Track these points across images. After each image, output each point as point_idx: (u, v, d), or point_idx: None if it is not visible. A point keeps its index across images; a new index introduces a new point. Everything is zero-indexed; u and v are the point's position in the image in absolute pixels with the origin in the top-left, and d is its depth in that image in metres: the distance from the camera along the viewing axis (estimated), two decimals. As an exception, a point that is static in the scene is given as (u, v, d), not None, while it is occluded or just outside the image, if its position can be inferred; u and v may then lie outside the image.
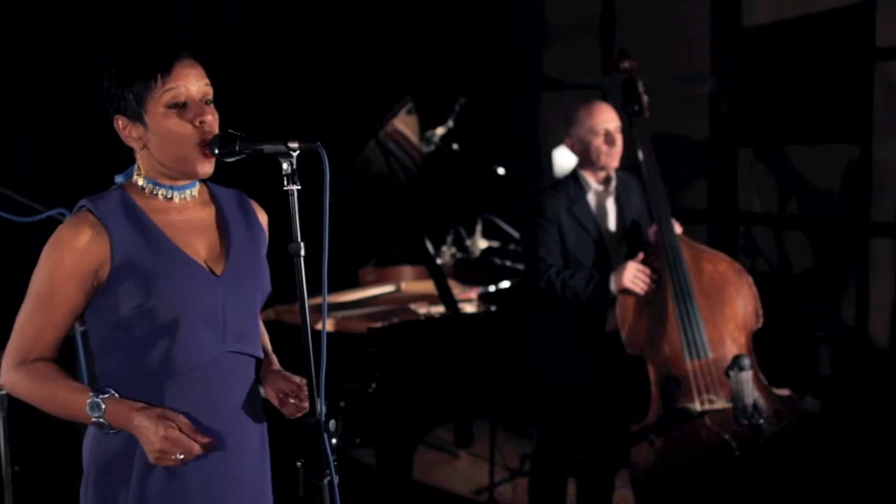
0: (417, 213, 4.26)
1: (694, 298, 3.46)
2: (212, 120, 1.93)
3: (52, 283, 1.91)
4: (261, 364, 2.11)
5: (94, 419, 1.90)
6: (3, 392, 2.94)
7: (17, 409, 2.43)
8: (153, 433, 1.85)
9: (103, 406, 1.89)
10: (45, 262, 1.93)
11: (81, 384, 1.97)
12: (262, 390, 2.10)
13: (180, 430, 1.87)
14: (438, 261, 4.21)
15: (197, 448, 1.88)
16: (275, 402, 2.05)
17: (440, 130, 4.59)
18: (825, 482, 3.59)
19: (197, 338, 1.93)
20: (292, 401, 2.01)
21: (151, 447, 1.86)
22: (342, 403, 3.42)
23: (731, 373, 3.28)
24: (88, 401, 1.89)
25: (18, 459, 3.14)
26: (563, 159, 5.27)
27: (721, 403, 3.37)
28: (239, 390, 2.03)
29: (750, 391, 3.24)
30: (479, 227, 4.80)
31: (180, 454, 1.86)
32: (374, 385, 3.51)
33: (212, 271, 1.98)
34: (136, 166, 2.00)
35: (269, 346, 2.22)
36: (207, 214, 2.05)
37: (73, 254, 1.90)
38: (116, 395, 1.92)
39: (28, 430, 3.08)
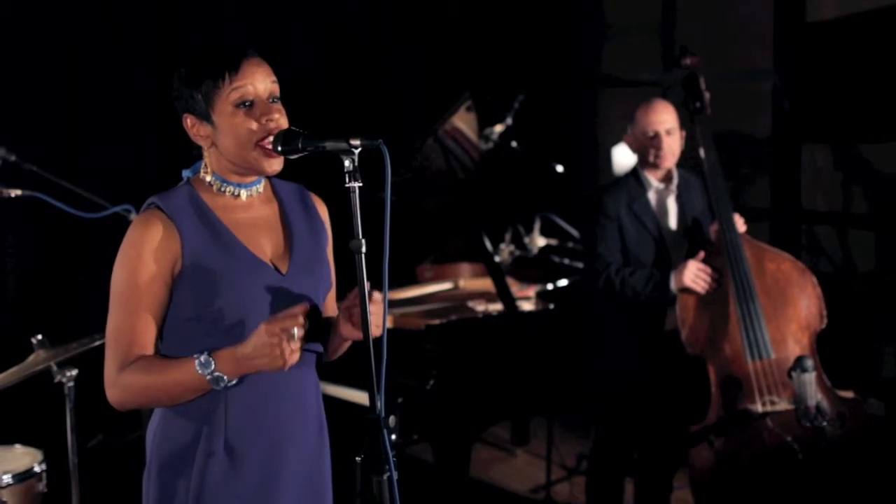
0: (475, 210, 4.26)
1: (756, 298, 3.41)
2: (279, 118, 1.95)
3: (135, 282, 1.91)
4: (321, 358, 2.12)
5: (209, 377, 1.85)
6: (71, 384, 3.02)
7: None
8: (256, 339, 1.81)
9: (212, 362, 1.85)
10: (123, 264, 1.93)
11: (180, 358, 1.91)
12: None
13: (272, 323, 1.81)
14: (496, 258, 4.21)
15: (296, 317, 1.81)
16: (345, 319, 1.99)
17: (499, 128, 4.58)
18: (890, 486, 3.52)
19: None
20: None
21: (264, 356, 1.80)
22: (400, 399, 3.44)
23: (794, 374, 3.22)
24: (197, 362, 1.86)
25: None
26: (623, 157, 5.23)
27: (783, 405, 3.32)
28: (299, 384, 2.05)
29: (813, 393, 3.19)
30: (537, 225, 4.78)
31: (294, 330, 1.80)
32: (431, 382, 3.52)
33: (277, 269, 2.00)
34: (203, 163, 2.02)
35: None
36: (271, 211, 2.07)
37: (150, 249, 1.91)
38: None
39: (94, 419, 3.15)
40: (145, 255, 1.91)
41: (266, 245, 2.02)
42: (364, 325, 1.83)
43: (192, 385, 1.88)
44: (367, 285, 1.84)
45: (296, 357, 1.81)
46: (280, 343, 1.79)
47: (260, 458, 1.98)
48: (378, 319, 1.88)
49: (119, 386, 1.91)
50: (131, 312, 1.91)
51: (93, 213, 3.09)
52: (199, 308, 1.93)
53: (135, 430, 2.12)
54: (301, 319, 1.81)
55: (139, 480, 2.06)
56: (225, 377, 1.87)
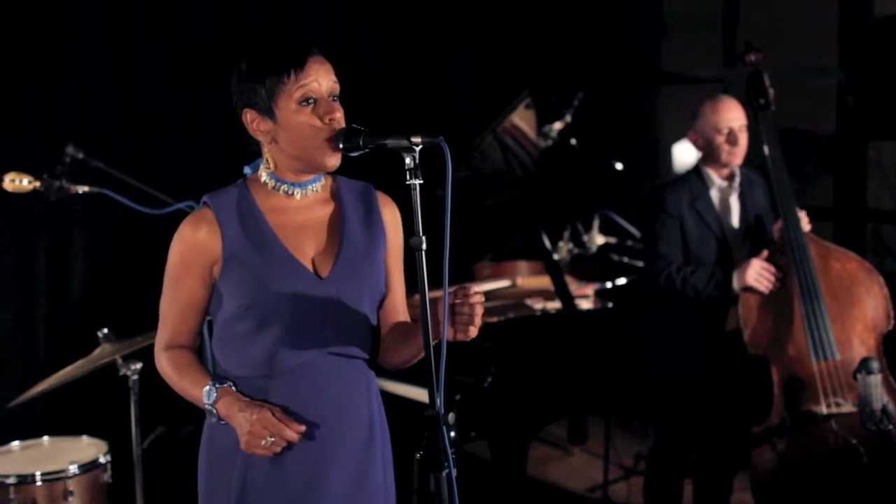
0: (534, 208, 4.24)
1: (821, 298, 3.35)
2: (340, 117, 1.96)
3: (174, 277, 2.02)
4: (371, 362, 2.12)
5: (206, 405, 1.98)
6: (135, 378, 3.07)
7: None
8: (245, 418, 1.91)
9: (215, 395, 1.96)
10: (169, 257, 2.03)
11: (208, 373, 2.04)
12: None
13: (273, 416, 1.91)
14: (555, 256, 4.19)
15: (289, 433, 1.91)
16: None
17: (558, 125, 4.55)
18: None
19: (297, 339, 1.97)
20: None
21: (242, 431, 1.91)
22: (458, 397, 3.44)
23: (859, 376, 3.15)
24: (206, 388, 1.97)
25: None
26: (683, 155, 5.18)
27: (848, 407, 3.26)
28: (345, 390, 2.05)
29: (879, 396, 3.11)
30: (595, 223, 4.75)
31: (270, 437, 1.89)
32: (489, 379, 3.51)
33: (317, 273, 2.01)
34: (263, 159, 2.04)
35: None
36: (325, 213, 2.07)
37: (187, 250, 1.99)
38: (233, 387, 1.98)
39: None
40: (183, 253, 2.00)
41: (310, 248, 2.03)
42: (424, 319, 1.82)
43: (198, 401, 2.02)
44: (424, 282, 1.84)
45: (259, 451, 1.91)
46: (257, 433, 1.90)
47: (301, 463, 2.00)
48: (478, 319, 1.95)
49: (159, 364, 2.09)
50: (171, 303, 2.05)
51: (157, 210, 3.14)
52: (238, 307, 1.98)
53: (196, 421, 2.16)
54: (290, 433, 1.91)
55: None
56: (216, 413, 1.98)
